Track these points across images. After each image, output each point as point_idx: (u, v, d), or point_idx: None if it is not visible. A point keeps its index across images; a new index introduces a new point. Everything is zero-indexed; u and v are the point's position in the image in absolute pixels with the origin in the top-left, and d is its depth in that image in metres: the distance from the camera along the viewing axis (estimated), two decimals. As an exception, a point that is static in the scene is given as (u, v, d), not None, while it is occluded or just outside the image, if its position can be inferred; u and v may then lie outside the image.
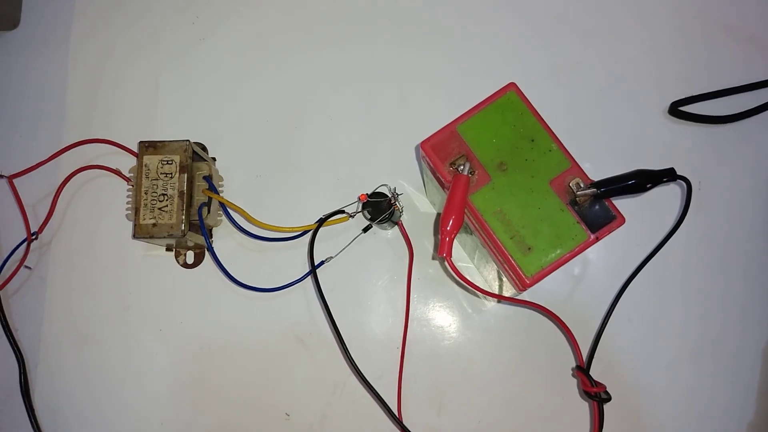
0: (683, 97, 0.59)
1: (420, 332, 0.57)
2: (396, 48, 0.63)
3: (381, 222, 0.55)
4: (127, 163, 0.62)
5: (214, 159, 0.61)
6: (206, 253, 0.61)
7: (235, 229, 0.59)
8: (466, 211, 0.42)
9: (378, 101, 0.62)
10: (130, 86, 0.65)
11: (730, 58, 0.61)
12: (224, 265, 0.56)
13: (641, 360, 0.55)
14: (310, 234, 0.58)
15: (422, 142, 0.44)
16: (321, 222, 0.55)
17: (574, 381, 0.55)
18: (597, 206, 0.42)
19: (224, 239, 0.60)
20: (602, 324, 0.53)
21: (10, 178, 0.58)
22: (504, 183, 0.43)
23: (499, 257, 0.43)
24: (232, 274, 0.57)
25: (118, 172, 0.62)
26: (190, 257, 0.61)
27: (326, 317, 0.56)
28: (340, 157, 0.61)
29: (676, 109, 0.59)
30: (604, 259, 0.57)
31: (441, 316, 0.58)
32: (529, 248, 0.42)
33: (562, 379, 0.55)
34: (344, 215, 0.57)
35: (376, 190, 0.55)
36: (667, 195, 0.58)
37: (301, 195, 0.61)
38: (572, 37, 0.62)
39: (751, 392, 0.55)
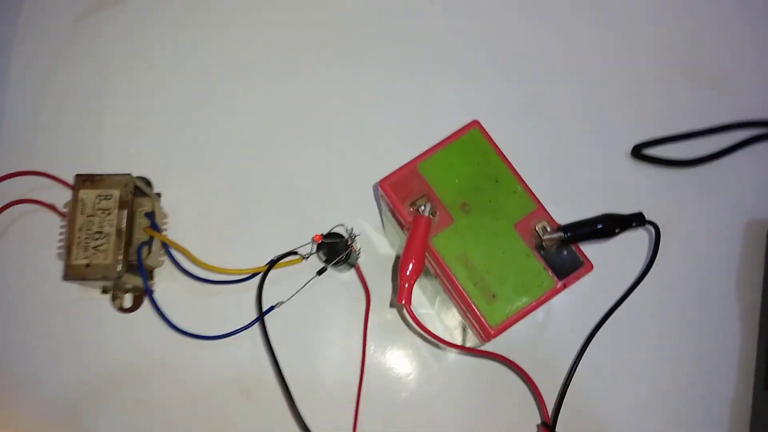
0: (646, 140, 0.58)
1: (377, 383, 0.54)
2: (357, 79, 0.61)
3: (336, 264, 0.52)
4: (64, 197, 0.57)
5: (158, 195, 0.57)
6: (144, 297, 0.56)
7: (175, 274, 0.54)
8: (426, 254, 0.39)
9: (337, 135, 0.60)
10: (72, 115, 0.61)
11: (693, 101, 0.60)
12: (164, 311, 0.52)
13: (609, 411, 0.53)
14: (259, 277, 0.54)
15: (381, 180, 0.41)
16: (272, 264, 0.52)
17: (540, 437, 0.52)
18: (564, 252, 0.40)
19: (166, 282, 0.56)
20: (568, 375, 0.50)
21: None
22: (467, 225, 0.40)
23: (462, 305, 0.40)
24: (173, 321, 0.52)
25: (53, 207, 0.57)
26: (127, 301, 0.56)
27: (273, 368, 0.51)
28: (295, 193, 0.58)
29: (638, 152, 0.58)
30: (568, 305, 0.55)
31: (399, 366, 0.54)
32: (494, 295, 0.39)
33: (526, 436, 0.52)
34: (297, 257, 0.53)
35: (332, 231, 0.52)
36: (632, 239, 0.57)
37: (253, 235, 0.57)
38: (538, 76, 0.61)
39: (721, 446, 0.52)
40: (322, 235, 0.50)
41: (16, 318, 0.56)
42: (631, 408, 0.53)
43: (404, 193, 0.41)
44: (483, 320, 0.38)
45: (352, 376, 0.53)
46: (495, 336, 0.38)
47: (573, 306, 0.55)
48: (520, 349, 0.52)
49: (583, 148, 0.59)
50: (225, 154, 0.59)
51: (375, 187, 0.58)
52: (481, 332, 0.39)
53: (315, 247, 0.53)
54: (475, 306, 0.39)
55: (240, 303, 0.55)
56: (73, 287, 0.56)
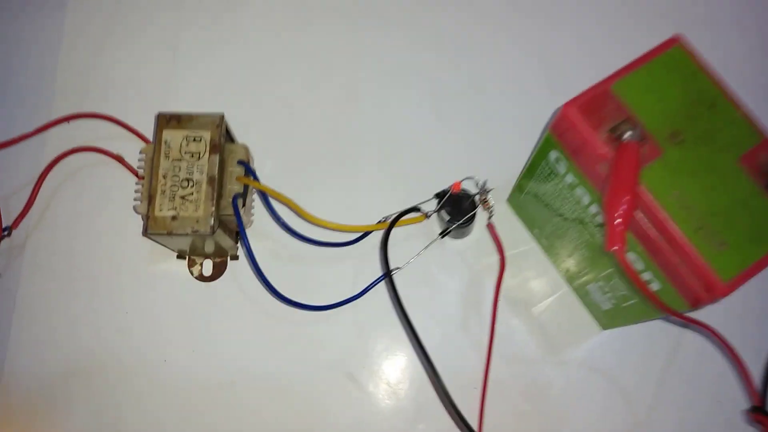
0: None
1: (507, 370, 0.45)
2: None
3: (463, 224, 0.44)
4: (130, 148, 0.49)
5: (244, 146, 0.49)
6: (228, 263, 0.48)
7: (265, 235, 0.46)
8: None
9: (446, 83, 0.52)
10: (140, 56, 0.53)
11: None
12: (266, 275, 0.43)
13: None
14: (359, 244, 0.46)
15: (567, 104, 0.33)
16: (395, 219, 0.43)
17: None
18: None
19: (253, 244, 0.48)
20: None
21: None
22: (680, 158, 0.32)
23: (675, 256, 0.31)
24: (270, 286, 0.43)
25: (119, 159, 0.49)
26: (207, 268, 0.48)
27: (409, 338, 0.43)
28: (399, 148, 0.50)
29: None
30: None
31: (532, 347, 0.46)
32: (723, 243, 0.31)
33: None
34: (419, 214, 0.45)
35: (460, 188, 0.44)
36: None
37: (350, 196, 0.49)
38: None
39: None
40: (460, 181, 0.41)
41: (73, 290, 0.47)
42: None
43: (596, 119, 0.33)
44: (711, 274, 0.30)
45: (475, 361, 0.45)
46: (725, 294, 0.30)
47: None
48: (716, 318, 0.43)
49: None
50: (317, 105, 0.51)
51: (489, 145, 0.50)
52: (700, 291, 0.31)
53: (437, 203, 0.44)
54: (700, 256, 0.30)
55: (338, 272, 0.47)
56: (141, 252, 0.48)
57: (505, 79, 0.52)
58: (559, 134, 0.35)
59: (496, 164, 0.48)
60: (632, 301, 0.39)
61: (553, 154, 0.37)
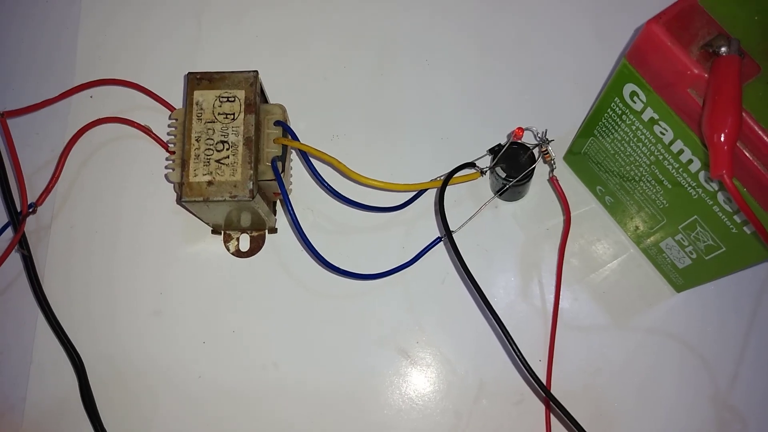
0: None
1: (573, 340, 0.42)
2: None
3: (522, 181, 0.40)
4: (156, 119, 0.46)
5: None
6: (266, 236, 0.44)
7: (304, 204, 0.43)
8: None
9: (490, 35, 0.48)
10: (167, 21, 0.50)
11: None
12: (312, 244, 0.39)
13: None
14: (403, 211, 0.43)
15: (650, 21, 0.29)
16: (449, 176, 0.40)
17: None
18: None
19: (285, 216, 0.45)
20: None
21: (3, 117, 0.41)
22: (782, 75, 0.28)
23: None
24: (316, 255, 0.40)
25: (146, 130, 0.46)
26: (244, 242, 0.45)
27: (464, 308, 0.40)
28: (443, 106, 0.47)
29: None
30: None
31: (599, 315, 0.42)
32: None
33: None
34: (474, 170, 0.41)
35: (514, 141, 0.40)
36: None
37: (393, 159, 0.46)
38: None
39: None
40: (522, 128, 0.37)
41: (103, 270, 0.44)
42: None
43: (685, 36, 0.29)
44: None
45: (538, 329, 0.41)
46: None
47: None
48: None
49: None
50: (353, 66, 0.48)
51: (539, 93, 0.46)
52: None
53: (492, 159, 0.41)
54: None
55: (383, 241, 0.44)
56: (174, 228, 0.45)
57: (552, 28, 0.48)
58: (638, 60, 0.31)
59: (547, 120, 0.44)
60: (719, 251, 0.35)
61: (628, 88, 0.33)
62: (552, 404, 0.37)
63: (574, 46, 0.48)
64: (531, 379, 0.36)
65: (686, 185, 0.34)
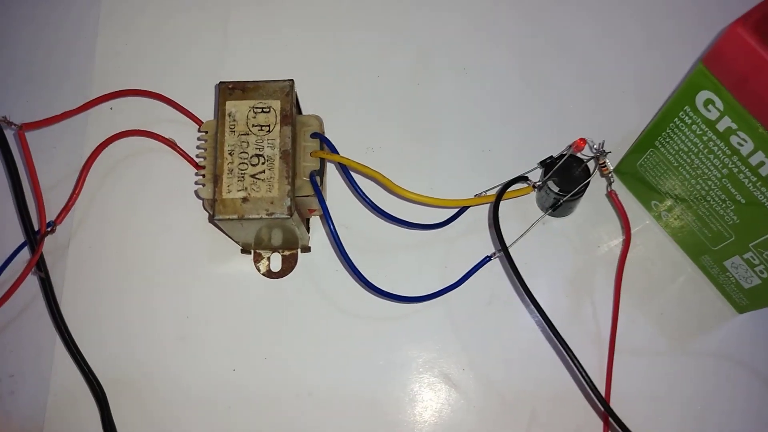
0: None
1: (631, 365, 0.39)
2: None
3: (576, 195, 0.38)
4: (181, 131, 0.43)
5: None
6: (298, 256, 0.42)
7: (338, 221, 0.41)
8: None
9: (531, 42, 0.46)
10: (191, 29, 0.47)
11: None
12: (354, 263, 0.37)
13: None
14: (447, 227, 0.40)
15: (734, 23, 0.27)
16: (502, 190, 0.37)
17: None
18: None
19: (320, 231, 0.42)
20: None
21: (22, 130, 0.38)
22: None
23: None
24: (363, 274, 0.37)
25: (171, 144, 0.43)
26: (276, 262, 0.42)
27: (531, 330, 0.37)
28: (482, 118, 0.44)
29: None
30: None
31: (658, 338, 0.40)
32: None
33: None
34: (527, 185, 0.39)
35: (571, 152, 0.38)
36: None
37: (430, 174, 0.43)
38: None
39: None
40: (584, 139, 0.35)
41: (125, 293, 0.41)
42: None
43: (775, 38, 0.27)
44: None
45: (595, 356, 0.39)
46: None
47: None
48: None
49: None
50: (388, 76, 0.46)
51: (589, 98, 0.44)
52: None
53: (543, 173, 0.38)
54: None
55: (423, 259, 0.41)
56: (201, 247, 0.42)
57: (597, 32, 0.46)
58: (718, 65, 0.29)
59: (598, 131, 0.42)
60: (795, 271, 0.33)
61: (703, 96, 0.31)
62: (615, 424, 0.34)
63: (625, 52, 0.45)
64: (590, 406, 0.33)
65: (764, 200, 0.31)
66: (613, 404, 0.37)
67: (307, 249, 0.42)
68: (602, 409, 0.34)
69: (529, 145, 0.43)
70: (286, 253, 0.42)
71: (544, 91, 0.45)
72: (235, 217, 0.35)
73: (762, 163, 0.30)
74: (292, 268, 0.42)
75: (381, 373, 0.39)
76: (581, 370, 0.33)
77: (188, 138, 0.43)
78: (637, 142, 0.38)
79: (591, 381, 0.34)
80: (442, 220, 0.40)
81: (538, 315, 0.35)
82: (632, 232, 0.41)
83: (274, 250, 0.42)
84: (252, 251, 0.42)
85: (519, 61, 0.45)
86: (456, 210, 0.40)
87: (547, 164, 0.38)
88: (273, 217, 0.35)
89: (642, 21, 0.46)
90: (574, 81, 0.45)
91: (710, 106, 0.31)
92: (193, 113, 0.43)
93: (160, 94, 0.43)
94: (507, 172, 0.40)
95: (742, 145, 0.30)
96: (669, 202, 0.39)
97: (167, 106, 0.44)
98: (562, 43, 0.46)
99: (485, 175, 0.42)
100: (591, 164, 0.38)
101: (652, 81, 0.44)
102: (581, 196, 0.39)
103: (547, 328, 0.33)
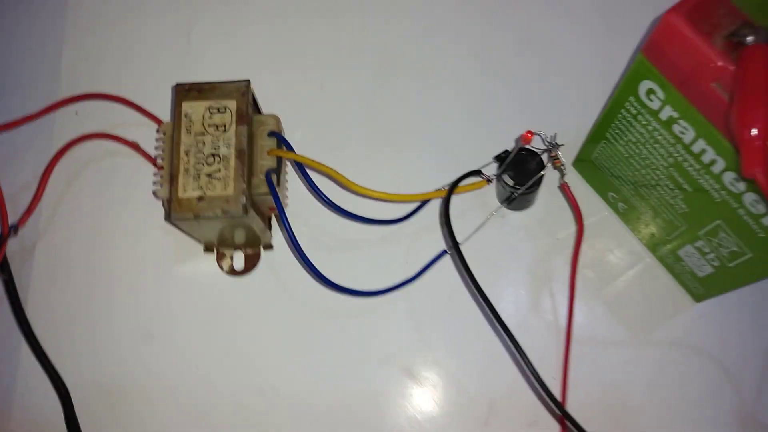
0: None
1: (589, 356, 0.39)
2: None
3: (531, 188, 0.38)
4: (145, 134, 0.44)
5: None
6: (261, 254, 0.42)
7: (300, 219, 0.41)
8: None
9: (491, 39, 0.46)
10: (156, 33, 0.48)
11: None
12: (311, 261, 0.37)
13: None
14: (409, 222, 0.40)
15: (669, 11, 0.27)
16: (454, 184, 0.38)
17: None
18: None
19: (281, 232, 0.42)
20: None
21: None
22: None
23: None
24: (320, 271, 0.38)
25: (134, 146, 0.44)
26: (238, 260, 0.42)
27: (472, 325, 0.37)
28: (443, 114, 0.45)
29: None
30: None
31: (616, 328, 0.40)
32: None
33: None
34: (480, 179, 0.39)
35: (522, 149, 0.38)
36: None
37: (393, 169, 0.44)
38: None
39: None
40: (531, 132, 0.35)
41: (90, 295, 0.42)
42: None
43: (707, 26, 0.27)
44: None
45: (551, 347, 0.39)
46: None
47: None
48: None
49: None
50: (349, 76, 0.46)
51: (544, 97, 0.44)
52: None
53: (498, 167, 0.39)
54: None
55: (383, 255, 0.41)
56: (165, 247, 0.42)
57: (558, 25, 0.46)
58: (655, 55, 0.29)
59: (554, 124, 0.42)
60: (743, 258, 0.33)
61: (645, 86, 0.31)
62: (568, 424, 0.35)
63: (578, 46, 0.46)
64: (546, 397, 0.34)
65: (708, 188, 0.32)
66: (571, 394, 0.37)
67: (269, 247, 0.42)
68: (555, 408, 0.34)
69: (491, 141, 0.43)
70: (249, 251, 0.42)
71: (507, 85, 0.45)
72: (190, 216, 0.36)
73: (704, 151, 0.30)
74: (255, 265, 0.42)
75: (344, 367, 0.40)
76: (530, 367, 0.33)
77: (152, 140, 0.43)
78: (589, 135, 0.39)
79: (540, 378, 0.34)
80: (402, 216, 0.41)
81: (497, 306, 0.35)
82: (591, 221, 0.41)
83: (237, 248, 0.42)
84: (215, 249, 0.42)
85: (478, 59, 0.46)
86: (415, 205, 0.41)
87: (501, 158, 0.39)
88: (228, 215, 0.36)
89: (600, 9, 0.46)
90: (537, 74, 0.45)
91: (652, 96, 0.31)
92: (157, 116, 0.44)
93: (124, 98, 0.44)
94: (471, 167, 0.41)
95: (684, 133, 0.31)
96: (623, 193, 0.39)
97: (132, 110, 0.44)
98: (524, 38, 0.46)
99: (450, 171, 0.42)
100: (545, 157, 0.38)
101: (613, 72, 0.44)
102: (537, 188, 0.39)
103: (495, 321, 0.34)
